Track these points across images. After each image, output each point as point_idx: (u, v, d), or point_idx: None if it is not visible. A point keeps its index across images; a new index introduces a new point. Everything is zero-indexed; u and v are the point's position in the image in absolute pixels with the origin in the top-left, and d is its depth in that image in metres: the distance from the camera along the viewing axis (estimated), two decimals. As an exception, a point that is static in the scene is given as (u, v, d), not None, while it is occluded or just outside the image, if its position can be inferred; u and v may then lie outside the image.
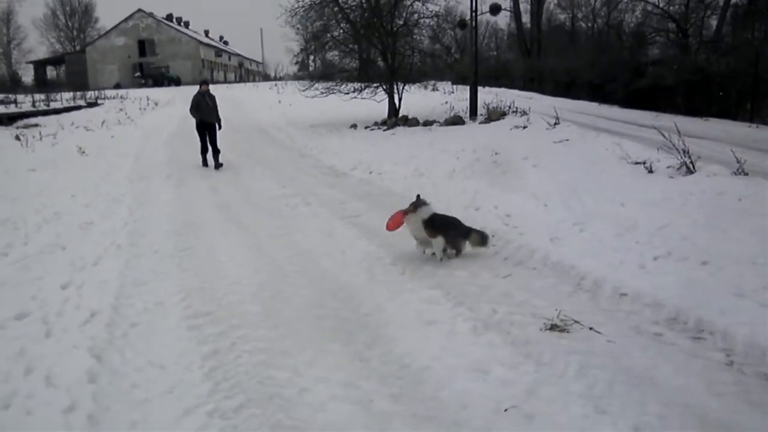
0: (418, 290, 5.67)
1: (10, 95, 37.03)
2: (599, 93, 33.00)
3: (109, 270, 6.52)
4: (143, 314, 5.31)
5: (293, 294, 5.72)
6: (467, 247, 6.67)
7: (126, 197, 10.72)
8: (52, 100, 35.06)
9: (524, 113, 17.65)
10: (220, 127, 14.77)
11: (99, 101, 38.32)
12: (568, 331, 4.59)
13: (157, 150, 18.19)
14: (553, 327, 4.68)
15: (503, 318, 4.91)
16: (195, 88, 15.48)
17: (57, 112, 30.17)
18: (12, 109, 29.26)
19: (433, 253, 6.65)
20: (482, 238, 6.63)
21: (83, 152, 16.41)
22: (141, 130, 23.83)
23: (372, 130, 19.88)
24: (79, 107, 33.80)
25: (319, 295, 5.68)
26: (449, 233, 6.59)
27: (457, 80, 37.84)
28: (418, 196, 6.87)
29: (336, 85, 22.32)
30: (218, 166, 14.36)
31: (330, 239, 7.66)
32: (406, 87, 22.97)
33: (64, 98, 37.76)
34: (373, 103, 22.59)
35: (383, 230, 7.00)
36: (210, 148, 14.50)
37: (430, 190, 9.88)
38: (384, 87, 22.10)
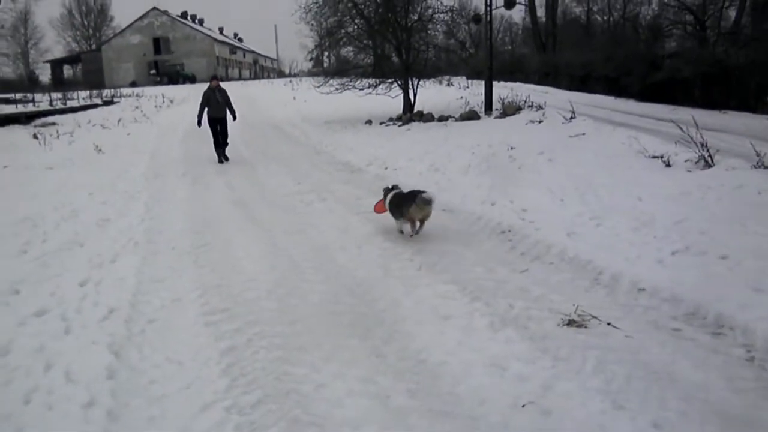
0: (434, 285, 5.65)
1: (28, 94, 37.35)
2: (615, 87, 32.63)
3: (126, 267, 6.54)
4: (161, 311, 5.32)
5: (309, 290, 5.70)
6: (417, 213, 7.12)
7: (142, 194, 10.73)
8: (68, 99, 35.36)
9: (540, 108, 17.58)
10: (234, 119, 15.11)
11: (115, 99, 38.59)
12: (585, 327, 4.56)
13: (173, 147, 18.24)
14: (570, 322, 4.64)
15: (520, 313, 4.88)
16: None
17: (74, 110, 30.40)
18: (30, 108, 29.52)
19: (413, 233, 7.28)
20: (423, 200, 7.02)
21: (100, 150, 16.49)
22: (156, 128, 23.94)
23: (387, 126, 19.85)
24: (95, 105, 34.06)
25: (336, 290, 5.66)
26: (402, 208, 7.28)
27: (472, 75, 37.77)
28: (395, 186, 7.82)
29: (351, 81, 22.23)
30: (224, 159, 14.68)
31: (346, 235, 7.62)
32: (421, 82, 22.87)
33: (81, 97, 38.06)
34: (388, 99, 22.45)
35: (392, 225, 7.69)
36: (221, 141, 14.83)
37: (446, 185, 9.83)
38: (399, 82, 22.02)
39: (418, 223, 7.29)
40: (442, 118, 19.38)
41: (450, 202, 8.97)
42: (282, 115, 27.26)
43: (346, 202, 9.43)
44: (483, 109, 20.38)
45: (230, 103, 14.81)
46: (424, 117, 20.00)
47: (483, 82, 22.23)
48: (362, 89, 22.08)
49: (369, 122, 21.04)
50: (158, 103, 36.51)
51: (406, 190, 7.62)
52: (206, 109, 14.60)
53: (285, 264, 6.53)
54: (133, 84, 63.05)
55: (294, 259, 6.70)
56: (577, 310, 4.82)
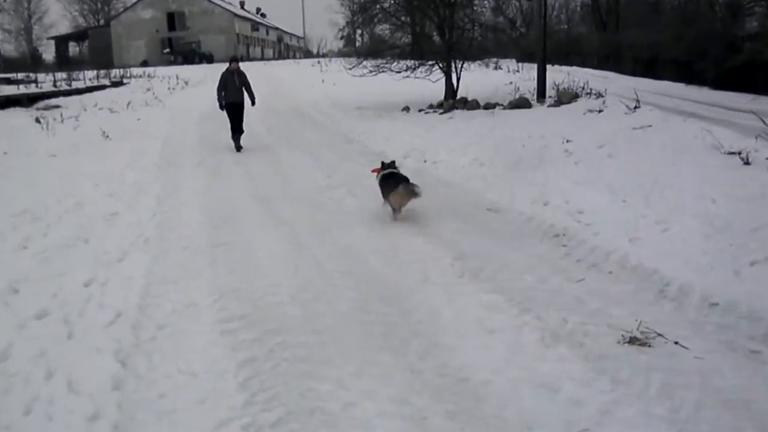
0: (478, 294, 5.59)
1: (30, 74, 38.00)
2: (686, 72, 32.12)
3: (135, 266, 6.58)
4: (172, 316, 5.34)
5: (338, 296, 5.67)
6: (397, 201, 8.02)
7: (154, 186, 10.81)
8: (74, 80, 35.87)
9: (599, 95, 17.44)
10: (253, 103, 15.29)
11: (124, 80, 39.04)
12: (649, 345, 4.47)
13: (188, 134, 18.38)
14: (632, 340, 4.55)
15: (575, 328, 4.80)
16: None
17: (79, 92, 30.82)
18: (32, 89, 30.02)
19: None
20: (406, 190, 7.92)
21: (107, 136, 16.62)
22: (170, 112, 24.15)
23: (426, 113, 19.81)
24: (103, 87, 34.54)
25: (367, 297, 5.63)
26: (384, 190, 8.23)
27: (523, 57, 37.55)
28: (392, 163, 8.68)
29: (386, 63, 22.08)
30: (239, 148, 14.90)
31: (380, 236, 7.61)
32: (465, 65, 22.66)
33: (87, 77, 38.70)
34: (428, 83, 22.27)
35: (441, 226, 7.91)
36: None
37: (492, 182, 9.80)
38: (440, 65, 21.86)
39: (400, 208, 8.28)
40: (489, 106, 19.29)
41: (497, 200, 8.92)
42: (309, 100, 27.27)
43: (380, 199, 9.09)
44: (535, 96, 20.20)
45: (249, 86, 14.97)
46: (469, 104, 19.92)
47: (535, 66, 21.94)
48: (399, 72, 21.96)
49: (406, 109, 20.96)
50: (172, 84, 36.73)
51: (410, 175, 8.52)
52: (222, 93, 14.79)
53: (311, 266, 6.52)
54: (145, 63, 63.38)
55: (321, 261, 6.70)
56: (640, 327, 4.70)
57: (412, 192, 7.94)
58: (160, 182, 11.22)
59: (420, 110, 20.54)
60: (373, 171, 8.91)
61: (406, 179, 8.22)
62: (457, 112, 18.75)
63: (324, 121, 20.61)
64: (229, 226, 8.24)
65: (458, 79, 21.98)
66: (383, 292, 5.76)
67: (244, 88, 15.05)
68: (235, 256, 6.97)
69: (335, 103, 25.13)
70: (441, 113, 19.13)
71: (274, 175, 11.90)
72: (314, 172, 11.93)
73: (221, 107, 14.98)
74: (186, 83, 37.83)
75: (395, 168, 8.60)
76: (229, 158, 13.89)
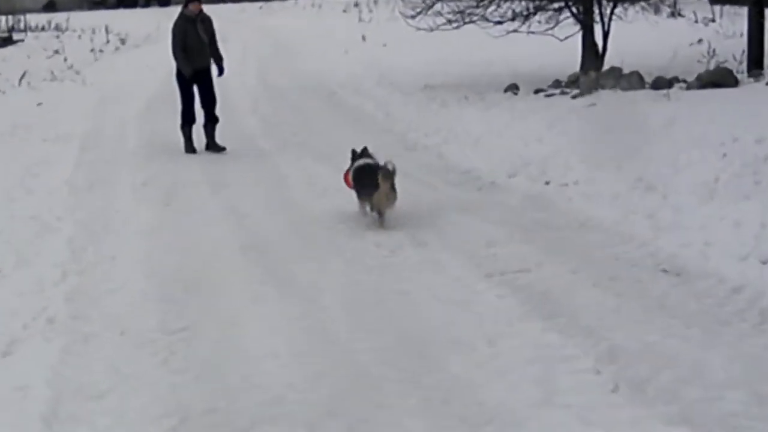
0: (647, 423, 4.53)
1: None
2: None
3: (30, 369, 5.46)
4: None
5: (394, 427, 4.59)
6: (393, 203, 8.20)
7: (65, 223, 9.20)
8: None
9: None
10: (220, 72, 12.73)
11: (15, 36, 32.34)
12: None
13: (125, 130, 15.20)
14: None
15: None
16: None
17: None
18: None
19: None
20: (390, 185, 7.98)
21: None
22: (95, 92, 19.63)
23: (548, 96, 15.52)
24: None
25: (449, 426, 4.56)
26: (363, 187, 8.26)
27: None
28: (364, 151, 8.71)
29: (476, 7, 16.81)
30: (215, 147, 12.29)
31: (465, 317, 6.27)
32: (618, 9, 17.12)
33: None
34: (550, 42, 16.96)
35: (575, 299, 6.52)
36: (203, 114, 12.35)
37: (667, 221, 8.29)
38: (572, 10, 16.47)
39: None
40: (659, 83, 14.93)
41: (677, 254, 7.47)
42: (339, 72, 21.04)
43: (466, 250, 7.88)
44: (744, 66, 15.79)
45: (216, 43, 12.53)
46: (624, 80, 15.24)
47: (744, 11, 16.62)
48: (498, 23, 16.80)
49: (512, 89, 16.19)
50: (98, 44, 29.77)
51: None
52: (184, 54, 12.09)
53: (345, 369, 5.38)
54: (51, 6, 48.77)
55: (362, 359, 5.52)
56: None
57: (392, 180, 8.01)
58: (77, 216, 9.52)
59: (536, 90, 15.79)
60: (345, 178, 8.78)
61: (386, 170, 8.07)
62: (602, 95, 14.46)
63: (365, 110, 16.42)
64: (196, 296, 6.90)
65: (605, 36, 16.41)
66: (475, 419, 4.67)
67: (211, 46, 12.47)
68: (207, 351, 5.79)
69: (385, 78, 19.19)
70: (574, 96, 14.81)
71: (274, 203, 10.04)
72: (344, 200, 9.80)
73: (186, 72, 12.29)
74: (122, 41, 30.79)
75: (370, 156, 8.64)
76: (195, 173, 11.38)
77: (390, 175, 7.96)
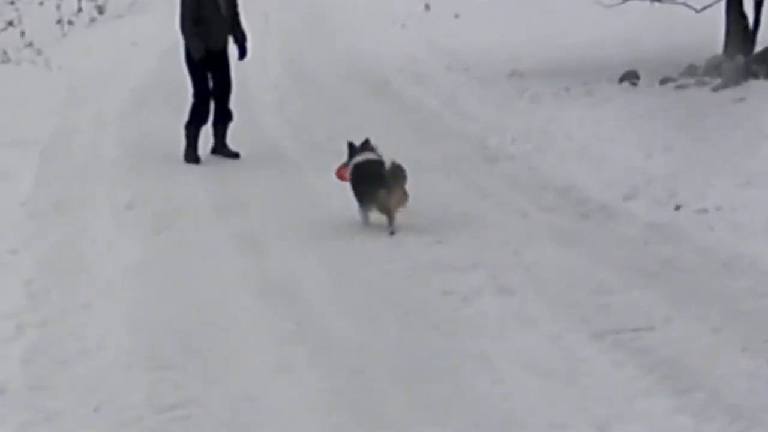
0: None
1: None
2: None
3: None
4: None
5: None
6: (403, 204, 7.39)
7: (21, 258, 7.79)
8: None
9: None
10: (243, 55, 10.80)
11: None
12: None
13: (104, 131, 12.81)
14: None
15: None
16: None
17: None
18: None
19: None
20: (400, 185, 7.29)
21: None
22: (63, 79, 16.84)
23: (679, 88, 13.09)
24: None
25: None
26: (362, 187, 7.51)
27: None
28: (366, 144, 7.96)
29: None
30: (225, 152, 10.50)
31: (567, 392, 5.46)
32: None
33: None
34: (684, 14, 14.56)
35: (708, 374, 5.73)
36: (213, 109, 10.57)
37: None
38: None
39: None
40: None
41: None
42: (393, 54, 17.95)
43: (569, 301, 6.71)
44: None
45: (238, 15, 10.52)
46: None
47: None
48: None
49: (630, 77, 13.78)
50: (67, 14, 25.72)
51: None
52: (195, 29, 10.29)
53: None
54: None
55: None
56: None
57: (404, 181, 7.42)
58: (37, 249, 8.03)
59: (663, 80, 13.38)
60: (339, 172, 8.15)
61: (396, 164, 7.58)
62: (755, 86, 12.21)
63: (428, 106, 14.22)
64: (198, 360, 5.97)
65: (759, 6, 13.48)
66: None
67: (232, 20, 10.57)
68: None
69: (457, 63, 16.63)
70: (716, 88, 12.54)
71: (301, 234, 8.40)
72: (400, 230, 8.51)
73: (196, 54, 10.37)
74: (100, 10, 26.91)
75: (373, 151, 7.92)
76: (197, 190, 9.69)
77: (401, 170, 7.31)
